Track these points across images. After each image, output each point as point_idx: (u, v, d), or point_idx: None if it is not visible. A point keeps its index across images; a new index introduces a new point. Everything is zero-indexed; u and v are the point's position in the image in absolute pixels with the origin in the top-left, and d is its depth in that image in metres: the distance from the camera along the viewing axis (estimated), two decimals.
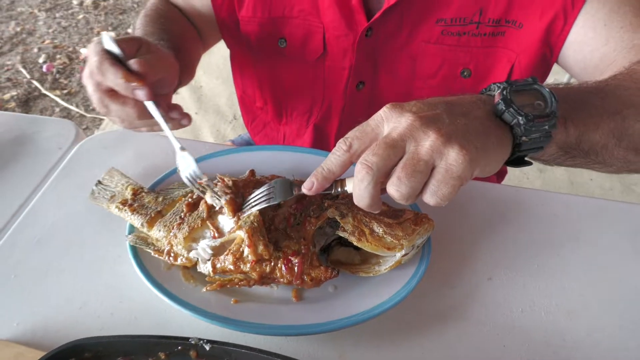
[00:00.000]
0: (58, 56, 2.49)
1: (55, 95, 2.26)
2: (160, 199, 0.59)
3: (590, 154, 0.51)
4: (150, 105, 0.56)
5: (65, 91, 2.30)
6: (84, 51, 2.52)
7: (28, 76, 2.35)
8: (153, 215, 0.57)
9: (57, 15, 2.79)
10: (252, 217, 0.52)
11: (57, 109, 2.21)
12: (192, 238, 0.55)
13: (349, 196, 0.56)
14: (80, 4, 2.88)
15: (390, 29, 0.71)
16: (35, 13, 2.80)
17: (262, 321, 0.50)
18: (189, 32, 0.81)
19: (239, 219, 0.53)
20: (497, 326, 0.53)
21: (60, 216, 0.64)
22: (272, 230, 0.54)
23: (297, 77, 0.81)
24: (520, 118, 0.44)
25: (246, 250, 0.51)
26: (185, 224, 0.55)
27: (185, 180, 0.58)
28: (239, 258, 0.51)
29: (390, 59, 0.74)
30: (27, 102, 2.23)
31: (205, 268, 0.53)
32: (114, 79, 0.54)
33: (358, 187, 0.43)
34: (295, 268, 0.51)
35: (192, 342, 0.44)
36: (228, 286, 0.53)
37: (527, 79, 0.47)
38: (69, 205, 0.65)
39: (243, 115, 0.97)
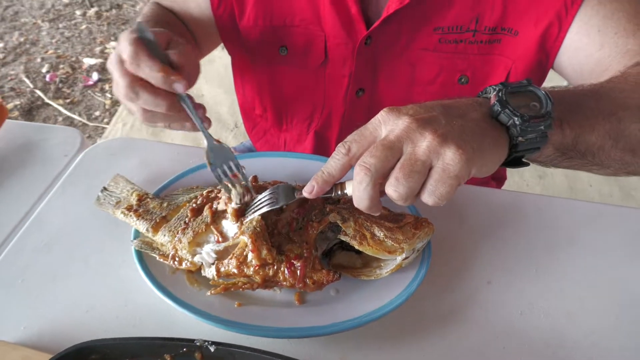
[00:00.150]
0: (61, 66, 2.52)
1: (58, 105, 2.28)
2: (165, 204, 0.60)
3: (587, 155, 0.51)
4: (184, 98, 0.56)
5: (68, 100, 2.33)
6: (87, 60, 2.55)
7: (31, 86, 2.38)
8: (158, 220, 0.58)
9: (61, 25, 2.82)
10: (254, 222, 0.53)
11: (60, 118, 2.23)
12: (197, 242, 0.56)
13: (350, 201, 0.57)
14: (83, 14, 2.91)
15: (389, 37, 0.72)
16: (39, 23, 2.83)
17: (265, 324, 0.51)
18: (186, 37, 0.81)
19: (242, 224, 0.54)
20: (496, 328, 0.54)
21: (66, 222, 0.65)
22: (275, 234, 0.55)
23: (298, 84, 0.82)
24: (516, 119, 0.45)
25: (250, 255, 0.52)
26: (189, 228, 0.56)
27: (218, 174, 0.56)
28: (242, 262, 0.52)
29: (389, 66, 0.75)
30: (30, 112, 2.25)
31: (209, 272, 0.54)
32: (150, 71, 0.54)
33: (357, 189, 0.44)
34: (298, 271, 0.52)
35: (197, 343, 0.45)
36: (232, 290, 0.53)
37: (522, 81, 0.48)
38: (75, 211, 0.66)
39: (244, 122, 0.98)
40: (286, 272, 0.52)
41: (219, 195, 0.58)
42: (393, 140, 0.43)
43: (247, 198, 0.55)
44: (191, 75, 0.59)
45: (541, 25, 0.67)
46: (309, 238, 0.54)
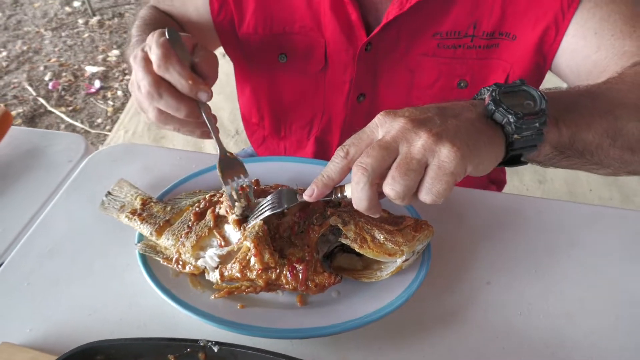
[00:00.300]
0: (64, 74, 2.54)
1: (61, 112, 2.30)
2: (169, 208, 0.61)
3: (585, 154, 0.52)
4: (205, 109, 0.57)
5: (70, 108, 2.34)
6: (89, 68, 2.57)
7: (34, 93, 2.40)
8: (162, 224, 0.59)
9: (63, 34, 2.85)
10: (257, 227, 0.54)
11: (63, 126, 2.24)
12: (200, 246, 0.56)
13: (351, 204, 0.58)
14: (86, 23, 2.94)
15: (388, 43, 0.73)
16: (42, 32, 2.86)
17: (267, 325, 0.51)
18: None
19: (244, 229, 0.55)
20: (496, 329, 0.55)
21: (70, 226, 0.66)
22: (276, 238, 0.56)
23: (297, 91, 0.83)
24: (510, 116, 0.45)
25: (252, 259, 0.53)
26: (192, 232, 0.57)
27: (227, 188, 0.57)
28: (245, 266, 0.53)
29: (389, 72, 0.76)
30: (33, 119, 2.27)
31: (213, 276, 0.55)
32: (179, 77, 0.54)
33: (355, 190, 0.45)
34: (300, 275, 0.53)
35: (201, 343, 0.45)
36: (235, 293, 0.54)
37: (515, 81, 0.48)
38: (79, 216, 0.67)
39: (245, 128, 0.99)
40: (288, 275, 0.53)
41: (221, 199, 0.59)
42: (389, 140, 0.44)
43: (247, 212, 0.56)
44: (211, 82, 0.60)
45: (538, 29, 0.68)
46: (311, 241, 0.55)
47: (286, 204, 0.54)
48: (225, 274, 0.54)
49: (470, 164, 0.43)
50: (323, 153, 0.88)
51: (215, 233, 0.57)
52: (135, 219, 0.60)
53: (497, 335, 0.54)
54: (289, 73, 0.81)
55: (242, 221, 0.56)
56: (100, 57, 2.67)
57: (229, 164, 0.58)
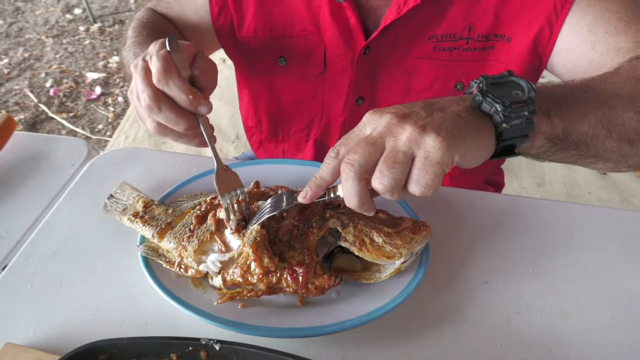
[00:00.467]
0: (65, 80, 2.56)
1: (62, 118, 2.32)
2: (170, 211, 0.62)
3: (580, 146, 0.51)
4: (203, 121, 0.57)
5: (71, 114, 2.36)
6: (90, 75, 2.59)
7: (35, 100, 2.41)
8: (163, 226, 0.60)
9: (64, 41, 2.87)
10: (254, 233, 0.54)
11: (64, 132, 2.25)
12: (202, 251, 0.57)
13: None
14: (87, 30, 2.96)
15: (386, 46, 0.74)
16: (43, 39, 2.88)
17: (268, 324, 0.52)
18: None
19: (243, 236, 0.55)
20: (494, 327, 0.55)
21: (73, 229, 0.67)
22: (276, 242, 0.56)
23: (296, 95, 0.84)
24: (497, 105, 0.46)
25: (253, 264, 0.53)
26: (194, 237, 0.57)
27: (224, 200, 0.57)
28: (246, 271, 0.54)
29: (387, 75, 0.77)
30: (34, 125, 2.28)
31: (216, 281, 0.56)
32: (178, 91, 0.54)
33: (345, 187, 0.46)
34: (300, 277, 0.53)
35: (203, 342, 0.46)
36: (237, 298, 0.54)
37: (503, 73, 0.49)
38: (82, 219, 0.68)
39: (244, 130, 1.00)
40: (289, 278, 0.53)
41: (222, 203, 0.60)
42: (375, 136, 0.45)
43: (242, 223, 0.57)
44: (210, 92, 0.60)
45: (533, 30, 0.69)
46: (310, 244, 0.56)
47: (280, 207, 0.55)
48: (228, 279, 0.54)
49: (457, 152, 0.43)
50: (322, 156, 0.88)
51: (217, 238, 0.57)
52: (137, 222, 0.61)
53: (495, 334, 0.55)
54: (288, 77, 0.82)
55: (241, 227, 0.56)
56: (101, 64, 2.69)
57: (225, 178, 0.59)
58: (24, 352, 0.51)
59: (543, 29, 0.69)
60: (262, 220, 0.55)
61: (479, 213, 0.69)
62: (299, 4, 0.75)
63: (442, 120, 0.44)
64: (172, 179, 0.71)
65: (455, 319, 0.56)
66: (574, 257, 0.63)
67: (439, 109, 0.46)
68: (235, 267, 0.54)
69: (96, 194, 0.71)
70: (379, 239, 0.55)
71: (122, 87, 2.53)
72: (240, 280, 0.54)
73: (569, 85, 0.55)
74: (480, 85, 0.47)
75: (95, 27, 2.98)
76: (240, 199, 0.57)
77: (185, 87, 0.55)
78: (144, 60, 0.57)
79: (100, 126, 2.30)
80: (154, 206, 0.63)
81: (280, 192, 0.61)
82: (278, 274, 0.53)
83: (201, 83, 0.58)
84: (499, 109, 0.46)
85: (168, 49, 0.56)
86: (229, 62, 0.89)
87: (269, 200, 0.57)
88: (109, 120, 2.33)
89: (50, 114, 2.33)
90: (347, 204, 0.47)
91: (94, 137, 2.23)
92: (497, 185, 1.01)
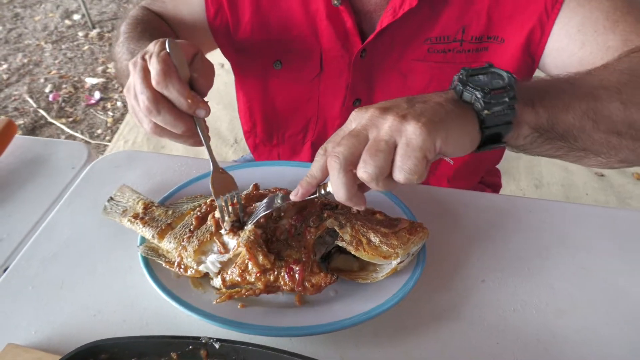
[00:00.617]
0: (64, 86, 2.57)
1: (61, 123, 2.32)
2: (170, 212, 0.63)
3: (567, 137, 0.51)
4: (201, 123, 0.58)
5: (70, 119, 2.37)
6: (89, 80, 2.60)
7: (35, 105, 2.42)
8: (164, 227, 0.60)
9: (63, 47, 2.88)
10: (247, 233, 0.55)
11: (63, 137, 2.26)
12: (202, 251, 0.57)
13: (347, 207, 0.60)
14: (86, 35, 2.97)
15: (382, 49, 0.75)
16: (42, 45, 2.89)
17: (267, 323, 0.53)
18: None
19: (239, 236, 0.56)
20: (490, 325, 0.56)
21: (74, 231, 0.67)
22: (274, 241, 0.57)
23: (291, 98, 0.84)
24: (477, 93, 0.46)
25: (250, 263, 0.54)
26: (194, 237, 0.58)
27: (219, 202, 0.58)
28: (244, 270, 0.54)
29: (383, 77, 0.78)
30: (34, 130, 2.29)
31: (216, 282, 0.56)
32: (178, 95, 0.54)
33: (332, 180, 0.47)
34: (297, 275, 0.54)
35: (203, 341, 0.47)
36: (236, 297, 0.55)
37: (484, 65, 0.50)
38: (82, 221, 0.68)
39: (243, 133, 1.00)
40: (286, 276, 0.54)
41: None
42: (359, 129, 0.46)
43: (237, 224, 0.58)
44: (207, 91, 0.60)
45: (525, 30, 0.70)
46: (307, 243, 0.56)
47: (277, 205, 0.56)
48: (227, 279, 0.55)
49: (438, 138, 0.44)
50: None
51: (216, 239, 0.58)
52: (137, 223, 0.61)
53: (492, 332, 0.55)
54: (283, 80, 0.82)
55: (236, 228, 0.57)
56: (100, 69, 2.70)
57: (220, 180, 0.59)
58: (25, 352, 0.52)
59: (534, 29, 0.70)
60: (256, 219, 0.56)
61: (475, 213, 0.69)
62: (296, 7, 0.76)
63: (423, 110, 0.45)
64: (172, 182, 0.72)
65: (453, 317, 0.57)
66: (568, 255, 0.64)
67: (421, 101, 0.47)
68: (234, 267, 0.55)
69: (96, 196, 0.71)
70: (375, 239, 0.56)
71: (121, 92, 2.53)
72: (239, 279, 0.54)
73: (554, 79, 0.55)
74: (461, 76, 0.48)
75: (94, 32, 2.99)
76: (235, 201, 0.58)
77: (185, 91, 0.55)
78: (143, 59, 0.57)
79: (99, 131, 2.31)
80: (154, 208, 0.63)
81: (278, 193, 0.62)
82: (275, 272, 0.54)
83: (199, 85, 0.59)
84: (479, 95, 0.46)
85: (168, 50, 0.56)
86: (228, 66, 0.89)
87: (264, 201, 0.58)
88: (108, 125, 2.34)
89: (50, 119, 2.34)
90: (336, 198, 0.48)
91: (93, 141, 2.23)
92: (494, 186, 1.02)
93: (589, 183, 1.91)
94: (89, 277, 0.61)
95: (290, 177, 0.70)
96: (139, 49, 0.68)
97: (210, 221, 0.59)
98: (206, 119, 0.59)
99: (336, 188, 0.47)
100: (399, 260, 0.55)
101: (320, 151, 0.49)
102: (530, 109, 0.49)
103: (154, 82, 0.54)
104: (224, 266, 0.57)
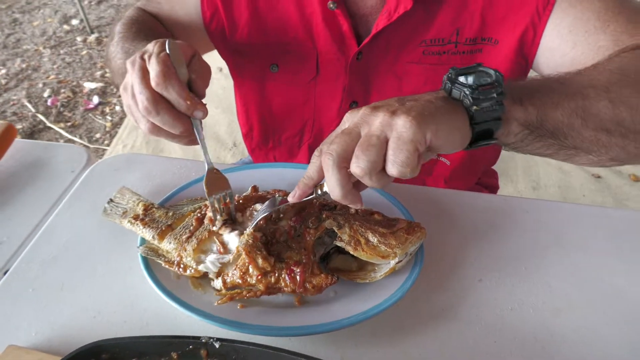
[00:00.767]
0: (62, 90, 2.57)
1: (60, 128, 2.33)
2: (171, 213, 0.63)
3: (557, 135, 0.52)
4: (197, 123, 0.59)
5: (69, 123, 2.37)
6: (88, 84, 2.60)
7: (33, 110, 2.42)
8: (164, 228, 0.61)
9: (62, 51, 2.89)
10: (246, 236, 0.56)
11: (62, 141, 2.26)
12: (201, 250, 0.58)
13: (346, 207, 0.61)
14: (84, 40, 2.98)
15: (378, 52, 0.76)
16: (40, 50, 2.89)
17: (266, 323, 0.53)
18: None
19: (231, 229, 0.57)
20: (488, 324, 0.56)
21: (73, 234, 0.68)
22: (274, 243, 0.57)
23: (287, 102, 0.85)
24: (465, 89, 0.48)
25: (250, 267, 0.55)
26: (194, 237, 0.59)
27: (211, 201, 0.59)
28: (245, 272, 0.55)
29: (379, 80, 0.79)
30: (32, 135, 2.29)
31: (217, 283, 0.57)
32: (177, 97, 0.55)
33: (327, 178, 0.47)
34: (298, 277, 0.54)
35: (203, 340, 0.47)
36: (237, 298, 0.55)
37: (472, 64, 0.50)
38: (82, 224, 0.69)
39: (242, 135, 1.01)
40: (287, 278, 0.54)
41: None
42: (351, 127, 0.47)
43: (229, 222, 0.59)
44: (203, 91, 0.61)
45: (518, 31, 0.71)
46: (307, 244, 0.57)
47: (275, 207, 0.57)
48: (228, 280, 0.56)
49: (429, 130, 0.45)
50: None
51: (215, 238, 0.59)
52: (137, 224, 0.62)
53: (489, 330, 0.56)
54: (279, 84, 0.83)
55: (229, 226, 0.58)
56: (98, 74, 2.71)
57: (214, 180, 0.60)
58: (26, 353, 0.52)
59: (527, 30, 0.71)
60: (255, 223, 0.57)
61: (472, 213, 0.70)
62: (292, 11, 0.77)
63: (412, 105, 0.46)
64: (171, 184, 0.72)
65: (450, 316, 0.57)
66: (565, 255, 0.64)
67: (411, 99, 0.48)
68: (235, 269, 0.55)
69: (96, 199, 0.72)
70: (373, 239, 0.56)
71: (120, 96, 2.53)
72: (240, 281, 0.55)
73: (545, 78, 0.56)
74: (450, 74, 0.49)
75: (92, 37, 3.00)
76: (227, 201, 0.59)
77: (184, 92, 0.56)
78: (142, 59, 0.57)
79: (97, 135, 2.31)
80: (154, 209, 0.64)
81: (277, 195, 0.63)
82: (276, 274, 0.55)
83: (197, 86, 0.59)
84: (467, 92, 0.47)
85: (167, 51, 0.57)
86: (226, 70, 0.90)
87: (263, 205, 0.58)
88: (107, 129, 2.34)
89: (48, 124, 2.34)
90: (332, 196, 0.49)
91: (91, 146, 2.24)
92: (491, 188, 1.03)
93: (586, 185, 1.92)
94: (89, 278, 0.62)
95: (289, 179, 0.70)
96: (134, 48, 0.69)
97: (207, 221, 0.60)
98: (205, 122, 0.60)
99: (331, 186, 0.47)
100: (397, 259, 0.55)
101: (316, 153, 0.50)
102: (519, 106, 0.50)
103: (153, 83, 0.55)
104: (223, 267, 0.57)
